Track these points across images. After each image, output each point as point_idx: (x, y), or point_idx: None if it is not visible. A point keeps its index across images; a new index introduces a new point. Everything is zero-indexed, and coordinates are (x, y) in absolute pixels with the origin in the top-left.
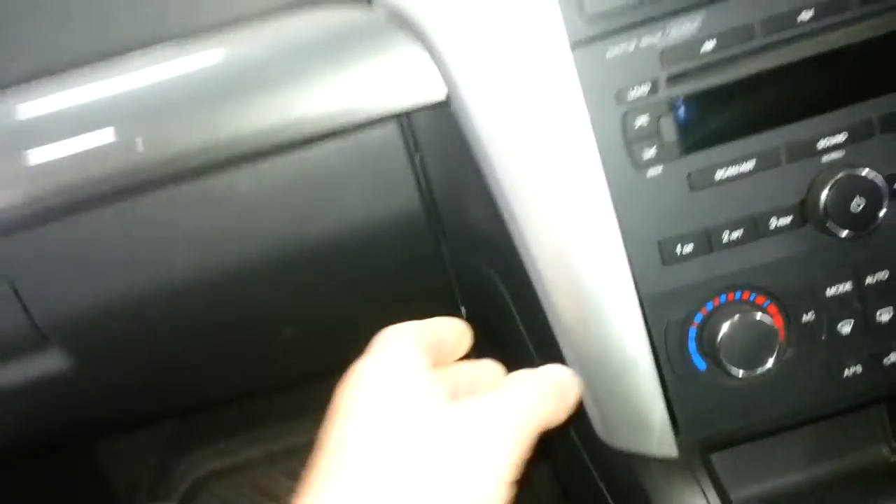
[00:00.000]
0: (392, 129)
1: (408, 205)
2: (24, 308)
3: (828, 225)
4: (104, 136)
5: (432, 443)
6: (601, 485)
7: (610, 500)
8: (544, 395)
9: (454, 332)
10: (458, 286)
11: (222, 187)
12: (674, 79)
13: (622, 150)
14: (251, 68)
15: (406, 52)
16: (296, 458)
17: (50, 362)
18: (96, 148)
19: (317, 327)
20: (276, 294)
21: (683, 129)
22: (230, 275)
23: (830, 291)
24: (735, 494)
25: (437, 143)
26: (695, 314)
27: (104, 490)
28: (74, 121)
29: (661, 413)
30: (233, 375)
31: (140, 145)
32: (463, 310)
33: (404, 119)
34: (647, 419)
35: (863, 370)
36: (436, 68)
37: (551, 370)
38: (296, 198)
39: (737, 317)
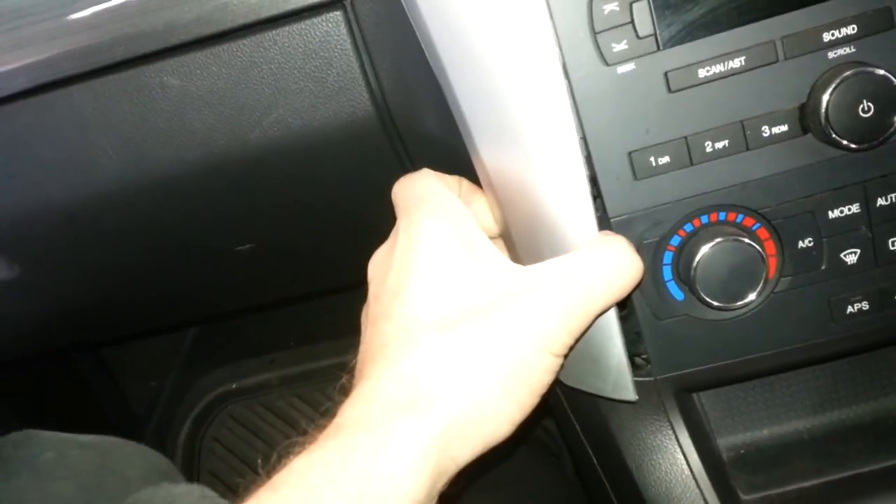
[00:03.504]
0: (338, 23)
1: (359, 108)
2: None
3: (831, 134)
4: None
5: (489, 301)
6: (574, 422)
7: (583, 439)
8: (600, 282)
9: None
10: None
11: (149, 82)
12: None
13: (588, 41)
14: None
15: None
16: (312, 382)
17: None
18: None
19: (279, 243)
20: (219, 204)
21: (661, 17)
22: (165, 180)
23: (833, 214)
24: (724, 440)
25: (386, 41)
26: (671, 236)
27: (123, 404)
28: None
29: (619, 353)
30: (199, 291)
31: None
32: None
33: (350, 11)
34: (601, 359)
35: (871, 307)
36: None
37: (609, 257)
38: (226, 95)
39: (716, 240)
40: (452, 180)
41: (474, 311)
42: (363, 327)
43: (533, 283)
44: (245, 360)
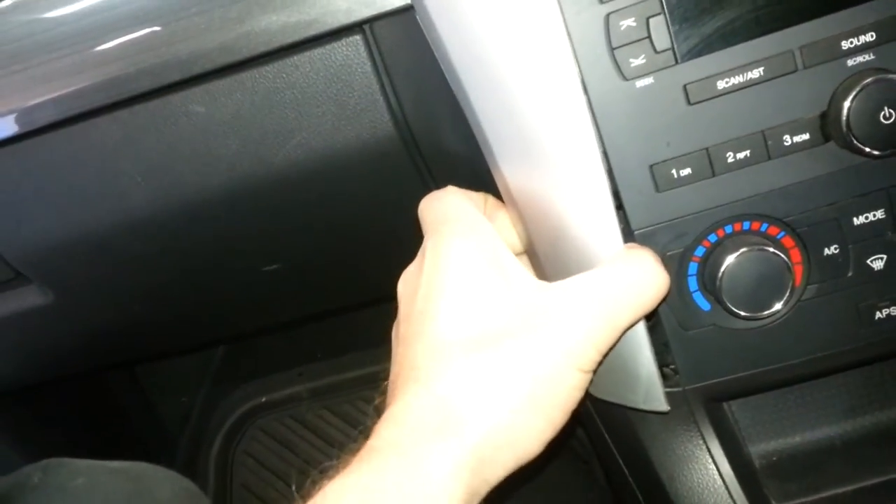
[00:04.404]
0: (357, 47)
1: (380, 128)
2: None
3: (853, 142)
4: None
5: (517, 320)
6: (604, 433)
7: (613, 450)
8: (627, 297)
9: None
10: None
11: (176, 110)
12: None
13: (606, 58)
14: None
15: None
16: (340, 394)
17: (32, 297)
18: None
19: (306, 262)
20: (246, 226)
21: (678, 31)
22: (193, 206)
23: (858, 220)
24: (755, 448)
25: (405, 62)
26: (695, 247)
27: (155, 421)
28: None
29: (649, 365)
30: (229, 311)
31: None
32: None
33: (369, 35)
34: (632, 371)
35: None
36: None
37: (635, 271)
38: (251, 121)
39: (741, 250)
40: (478, 197)
41: (503, 331)
42: (394, 346)
43: (559, 300)
44: (273, 373)
